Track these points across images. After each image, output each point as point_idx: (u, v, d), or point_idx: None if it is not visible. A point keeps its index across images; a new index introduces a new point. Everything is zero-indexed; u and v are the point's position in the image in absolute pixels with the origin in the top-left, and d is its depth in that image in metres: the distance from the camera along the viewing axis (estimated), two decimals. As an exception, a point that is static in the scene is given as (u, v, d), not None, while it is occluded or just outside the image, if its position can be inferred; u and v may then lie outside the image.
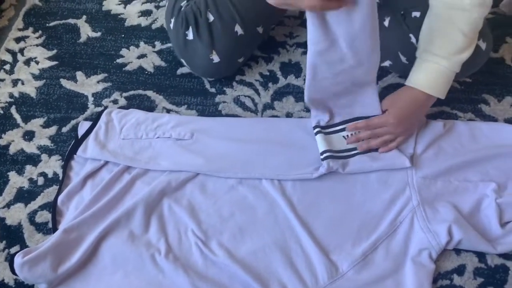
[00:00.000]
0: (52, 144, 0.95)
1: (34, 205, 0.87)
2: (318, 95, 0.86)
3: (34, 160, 0.93)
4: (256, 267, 0.78)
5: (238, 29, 0.96)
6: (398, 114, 0.86)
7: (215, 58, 0.97)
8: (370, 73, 0.83)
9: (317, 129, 0.90)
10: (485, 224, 0.82)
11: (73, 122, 0.98)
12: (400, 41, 0.95)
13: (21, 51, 1.11)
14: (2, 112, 1.00)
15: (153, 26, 1.16)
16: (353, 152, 0.88)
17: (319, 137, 0.89)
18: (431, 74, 0.83)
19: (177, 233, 0.82)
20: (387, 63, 1.02)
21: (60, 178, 0.89)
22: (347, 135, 0.89)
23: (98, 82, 1.05)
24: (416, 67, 0.85)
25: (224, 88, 1.04)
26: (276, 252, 0.80)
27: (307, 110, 0.99)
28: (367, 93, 0.87)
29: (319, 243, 0.80)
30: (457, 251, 0.81)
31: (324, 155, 0.86)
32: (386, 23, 0.97)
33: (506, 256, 0.80)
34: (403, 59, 0.97)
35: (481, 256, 0.80)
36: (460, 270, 0.79)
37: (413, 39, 0.92)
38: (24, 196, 0.88)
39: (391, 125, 0.86)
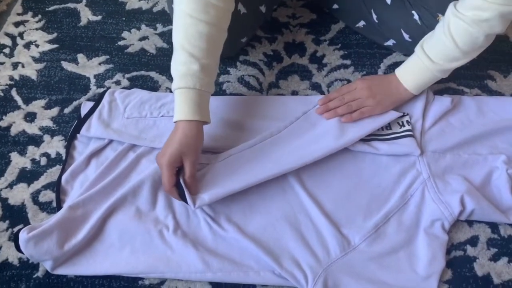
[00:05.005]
0: (54, 125, 0.93)
1: (37, 184, 0.85)
2: None
3: (36, 141, 0.91)
4: (266, 242, 0.76)
5: (241, 7, 0.94)
6: (367, 80, 0.88)
7: (219, 37, 0.95)
8: None
9: None
10: (496, 195, 0.81)
11: (75, 103, 0.97)
12: (403, 19, 0.94)
13: (21, 35, 1.09)
14: (2, 94, 0.98)
15: (154, 9, 1.15)
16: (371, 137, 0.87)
17: None
18: (416, 70, 0.85)
19: (184, 209, 0.80)
20: (390, 42, 1.01)
21: (63, 158, 0.87)
22: None
23: (99, 64, 1.04)
24: (408, 59, 0.87)
25: (228, 68, 1.02)
26: (286, 227, 0.78)
27: (313, 88, 0.98)
28: None
29: (329, 217, 0.79)
30: (470, 222, 0.80)
31: None
32: (388, 1, 0.96)
33: (519, 226, 0.80)
34: (406, 36, 0.96)
35: (493, 226, 0.79)
36: (473, 241, 0.78)
37: (416, 16, 0.92)
38: (27, 176, 0.86)
39: (358, 91, 0.88)
